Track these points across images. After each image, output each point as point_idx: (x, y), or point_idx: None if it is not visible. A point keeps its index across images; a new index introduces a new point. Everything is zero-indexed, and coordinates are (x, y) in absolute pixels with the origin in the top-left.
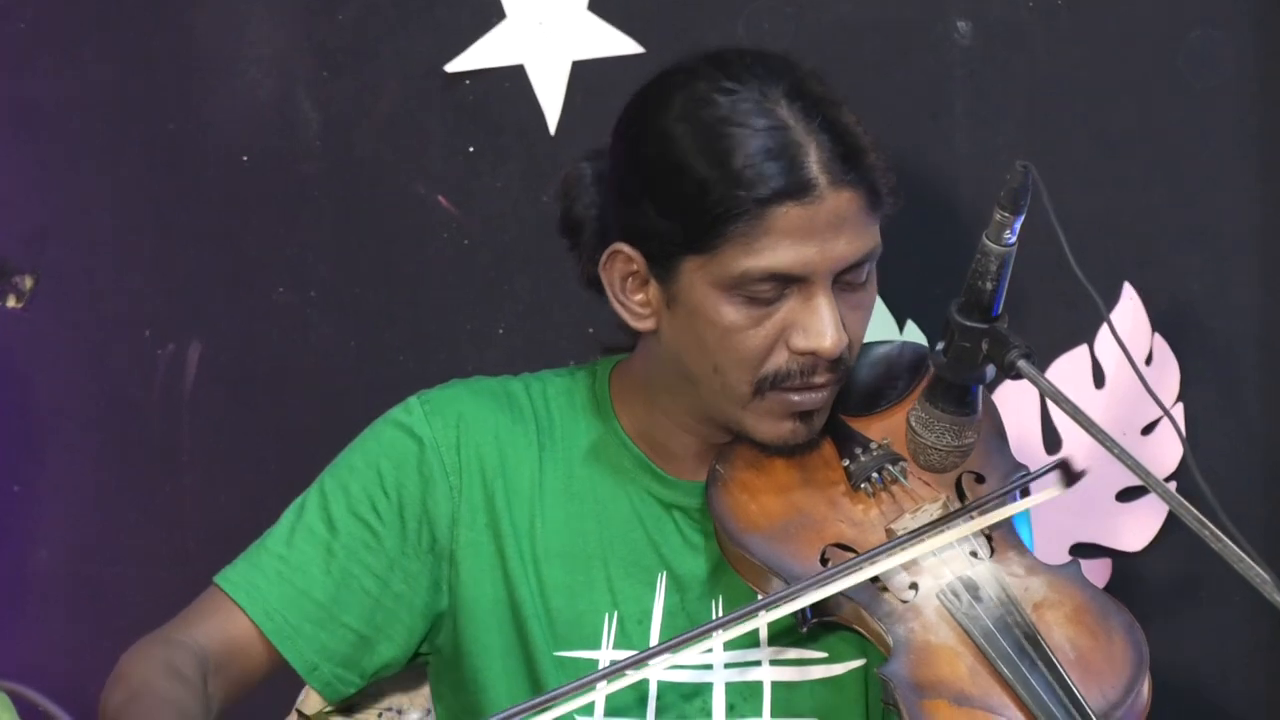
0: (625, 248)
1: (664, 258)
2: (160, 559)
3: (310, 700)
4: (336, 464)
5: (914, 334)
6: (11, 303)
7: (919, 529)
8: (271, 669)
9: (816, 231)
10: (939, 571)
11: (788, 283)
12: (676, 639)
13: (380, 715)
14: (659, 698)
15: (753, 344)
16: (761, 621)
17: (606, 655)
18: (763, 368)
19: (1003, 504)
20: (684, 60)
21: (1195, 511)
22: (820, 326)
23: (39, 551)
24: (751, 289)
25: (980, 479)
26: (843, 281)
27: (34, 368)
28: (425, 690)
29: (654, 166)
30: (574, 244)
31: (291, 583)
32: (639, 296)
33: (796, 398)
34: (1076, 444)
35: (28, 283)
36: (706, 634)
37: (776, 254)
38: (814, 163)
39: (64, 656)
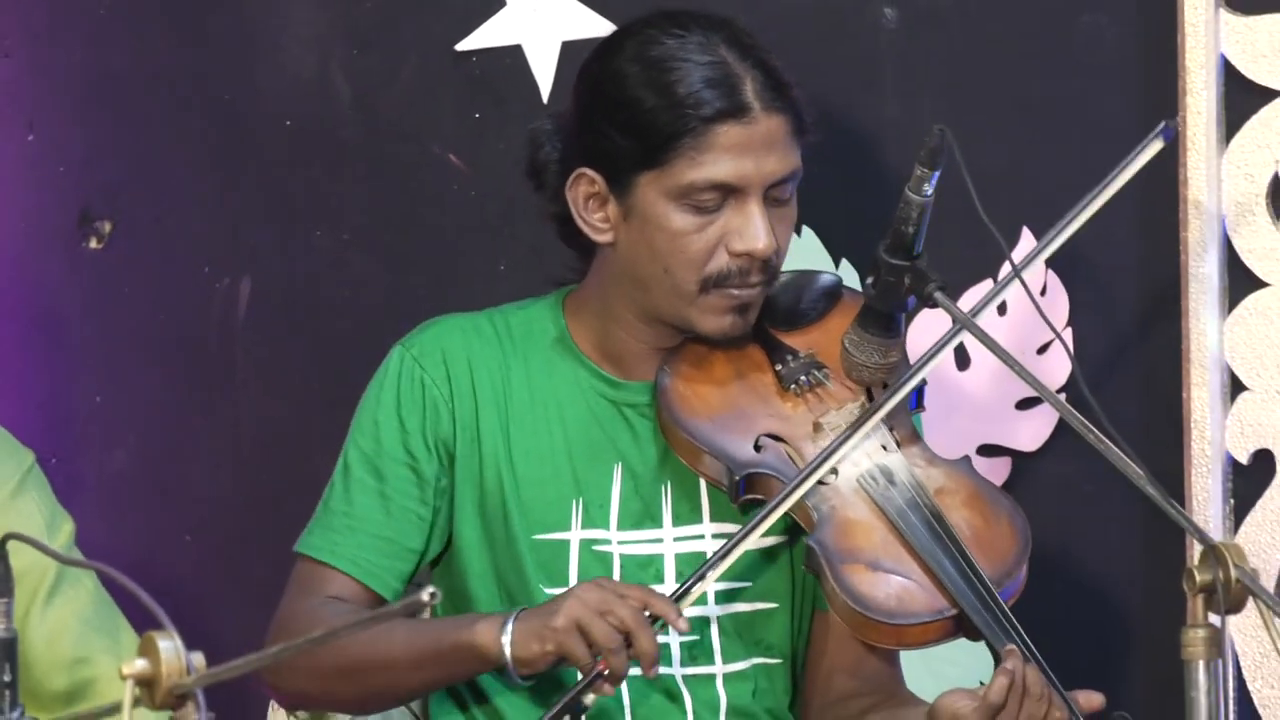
0: (588, 171)
1: (622, 175)
2: (219, 459)
3: None
4: (360, 424)
5: (848, 271)
6: (93, 244)
7: (856, 422)
8: (373, 607)
9: (752, 148)
10: (857, 460)
11: (727, 193)
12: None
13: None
14: (622, 568)
15: (697, 247)
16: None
17: (576, 535)
18: (706, 268)
19: (903, 389)
20: (637, 17)
21: (1081, 418)
22: (754, 231)
23: (118, 453)
24: (696, 198)
25: (885, 384)
26: (771, 197)
27: (112, 299)
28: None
29: (611, 99)
30: (538, 185)
31: (363, 531)
32: (599, 214)
33: (736, 292)
34: (983, 362)
35: (106, 227)
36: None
37: (718, 166)
38: (749, 91)
39: (138, 542)
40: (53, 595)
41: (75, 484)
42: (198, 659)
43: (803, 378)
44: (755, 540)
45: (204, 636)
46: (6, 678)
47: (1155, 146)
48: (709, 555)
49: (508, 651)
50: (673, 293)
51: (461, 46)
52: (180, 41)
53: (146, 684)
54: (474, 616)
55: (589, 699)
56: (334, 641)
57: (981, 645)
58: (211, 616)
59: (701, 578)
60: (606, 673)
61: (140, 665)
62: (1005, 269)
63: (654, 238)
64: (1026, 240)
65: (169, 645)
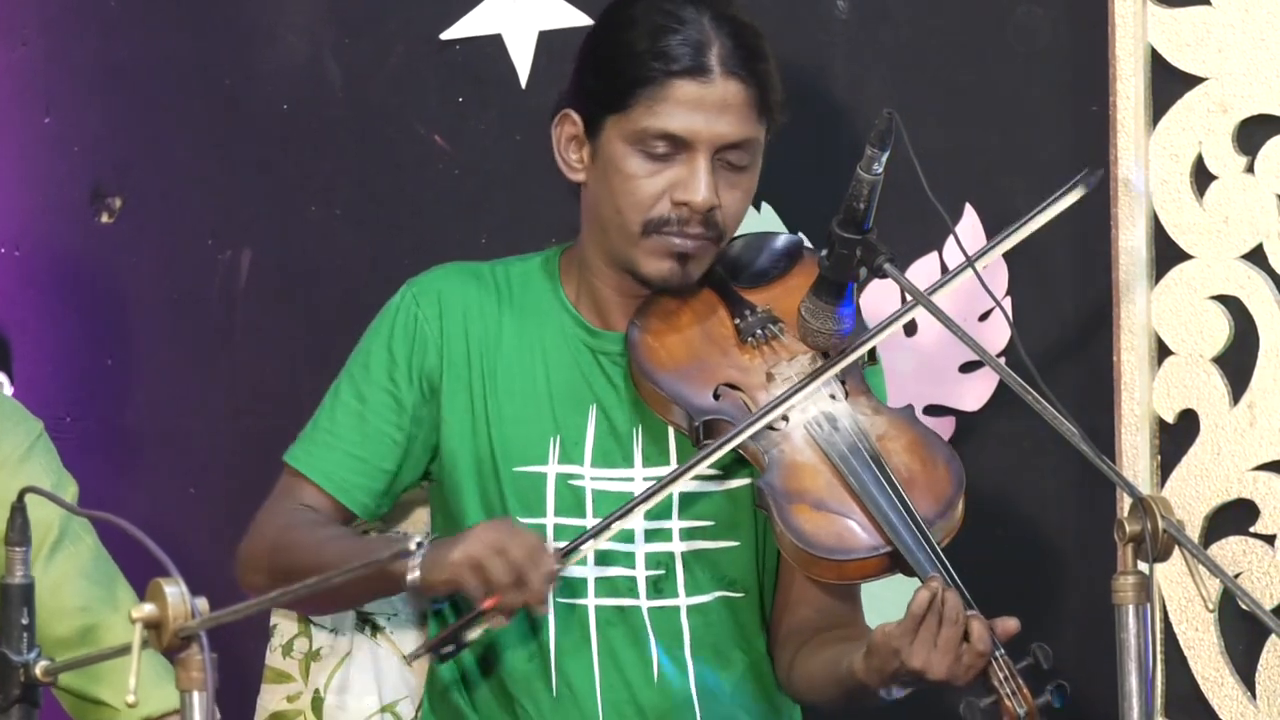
0: (571, 113)
1: (594, 117)
2: (219, 416)
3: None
4: (358, 350)
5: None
6: (104, 218)
7: (806, 378)
8: (343, 519)
9: (705, 107)
10: (805, 407)
11: (678, 146)
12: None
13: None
14: (593, 501)
15: (645, 191)
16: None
17: (553, 469)
18: (649, 211)
19: (855, 352)
20: None
21: (1020, 380)
22: (696, 184)
23: (126, 411)
24: (649, 144)
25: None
26: (725, 160)
27: (122, 268)
28: (418, 517)
29: (603, 38)
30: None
31: (338, 448)
32: (575, 155)
33: (676, 240)
34: (929, 328)
35: (117, 203)
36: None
37: (672, 118)
38: (714, 55)
39: (145, 494)
40: (55, 551)
41: (88, 440)
42: (201, 603)
43: (759, 331)
44: (720, 484)
45: (207, 582)
46: (24, 621)
47: (1077, 193)
48: (674, 495)
49: (415, 575)
50: (620, 232)
51: (445, 35)
52: (184, 32)
53: (154, 627)
54: (394, 540)
55: (475, 633)
56: (298, 560)
57: (913, 580)
58: (214, 564)
59: (624, 516)
60: (497, 607)
61: (148, 609)
62: (948, 241)
63: (611, 178)
64: (969, 216)
65: (175, 590)
